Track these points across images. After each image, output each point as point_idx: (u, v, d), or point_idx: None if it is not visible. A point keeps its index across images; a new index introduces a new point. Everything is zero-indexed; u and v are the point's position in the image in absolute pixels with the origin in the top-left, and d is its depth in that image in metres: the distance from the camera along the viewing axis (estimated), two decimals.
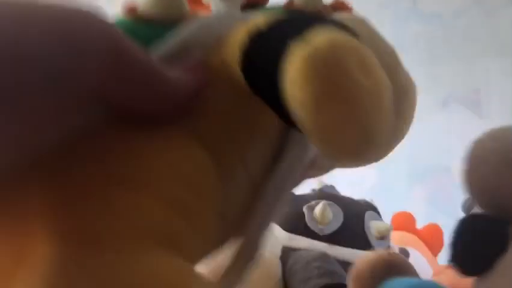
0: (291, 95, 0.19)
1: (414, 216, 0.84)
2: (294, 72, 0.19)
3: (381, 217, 0.66)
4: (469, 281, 0.69)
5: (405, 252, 0.68)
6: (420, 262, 0.73)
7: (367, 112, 0.19)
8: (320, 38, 0.19)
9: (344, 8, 0.30)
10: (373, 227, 0.62)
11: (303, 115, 0.19)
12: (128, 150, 0.20)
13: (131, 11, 0.25)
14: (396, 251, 0.65)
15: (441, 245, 0.82)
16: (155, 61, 0.21)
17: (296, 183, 0.26)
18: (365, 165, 0.22)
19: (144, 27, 0.25)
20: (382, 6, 1.50)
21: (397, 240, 0.71)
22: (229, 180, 0.23)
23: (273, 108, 0.22)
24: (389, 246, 0.63)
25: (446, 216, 1.28)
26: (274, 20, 0.22)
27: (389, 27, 1.45)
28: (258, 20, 0.23)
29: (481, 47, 1.41)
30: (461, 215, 0.81)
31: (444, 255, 0.81)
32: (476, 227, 0.35)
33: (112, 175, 0.19)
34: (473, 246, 0.35)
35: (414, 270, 0.39)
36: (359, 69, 0.19)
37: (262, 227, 0.25)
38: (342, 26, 0.22)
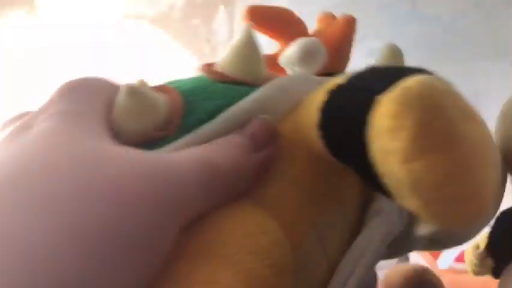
0: (380, 148, 0.17)
1: None
2: (383, 119, 0.17)
3: None
4: (467, 285, 0.68)
5: (405, 256, 0.67)
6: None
7: (477, 166, 0.17)
8: (411, 80, 0.17)
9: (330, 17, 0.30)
10: None
11: (396, 169, 0.17)
12: (209, 224, 0.19)
13: (210, 69, 0.25)
14: None
15: None
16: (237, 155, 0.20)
17: (377, 258, 0.23)
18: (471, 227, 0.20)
19: (222, 87, 0.24)
20: (381, 8, 1.50)
21: None
22: (303, 255, 0.21)
23: (356, 171, 0.19)
24: None
25: None
26: (356, 73, 0.20)
27: (388, 29, 1.45)
28: (337, 79, 0.21)
29: (481, 50, 1.41)
30: None
31: (444, 259, 0.80)
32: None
33: (195, 250, 0.19)
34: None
35: (443, 286, 0.38)
36: (460, 114, 0.17)
37: None
38: (432, 74, 0.19)
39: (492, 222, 0.36)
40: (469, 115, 0.18)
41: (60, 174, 0.16)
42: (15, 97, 1.76)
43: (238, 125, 0.22)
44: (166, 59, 1.55)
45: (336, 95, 0.20)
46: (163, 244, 0.17)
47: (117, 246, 0.15)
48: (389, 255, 0.27)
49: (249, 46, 0.25)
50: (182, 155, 0.19)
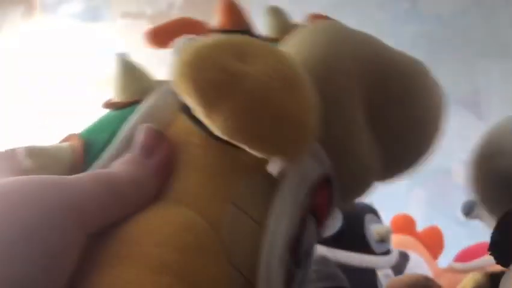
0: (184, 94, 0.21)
1: (414, 218, 0.84)
2: (181, 87, 0.20)
3: (381, 220, 0.65)
4: None
5: (405, 255, 0.67)
6: (420, 265, 0.72)
7: (268, 97, 0.20)
8: (186, 51, 0.20)
9: (320, 17, 0.31)
10: (373, 229, 0.61)
11: (208, 124, 0.21)
12: (118, 229, 0.21)
13: (105, 102, 0.27)
14: (396, 253, 0.64)
15: (441, 248, 0.82)
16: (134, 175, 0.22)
17: (298, 207, 0.24)
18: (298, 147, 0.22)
19: (115, 113, 0.26)
20: (381, 7, 1.50)
21: (397, 243, 0.71)
22: (227, 228, 0.22)
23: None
24: (389, 249, 0.62)
25: (446, 218, 1.28)
26: None
27: (388, 28, 1.45)
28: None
29: (481, 48, 1.41)
30: (461, 217, 0.81)
31: (444, 258, 0.80)
32: None
33: (105, 255, 0.20)
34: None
35: None
36: (235, 58, 0.20)
37: (271, 263, 0.23)
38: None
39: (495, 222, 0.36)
40: (252, 55, 0.20)
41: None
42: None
43: (131, 141, 0.24)
44: (165, 57, 1.54)
45: None
46: (70, 249, 0.19)
47: (34, 249, 0.18)
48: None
49: (124, 71, 0.27)
50: (85, 176, 0.21)
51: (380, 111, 0.28)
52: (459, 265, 0.72)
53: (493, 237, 0.32)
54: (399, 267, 0.64)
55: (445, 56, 1.41)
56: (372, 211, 0.65)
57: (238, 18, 0.30)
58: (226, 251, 0.22)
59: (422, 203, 1.35)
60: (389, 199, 1.30)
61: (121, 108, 0.26)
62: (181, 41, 0.28)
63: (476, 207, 0.75)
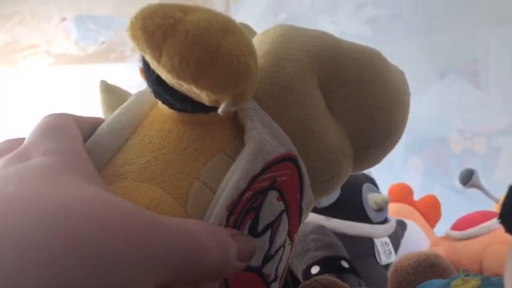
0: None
1: (411, 187, 0.84)
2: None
3: (378, 189, 0.65)
4: (463, 251, 0.69)
5: (402, 224, 0.68)
6: (417, 233, 0.73)
7: (204, 37, 0.22)
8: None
9: None
10: (371, 199, 0.61)
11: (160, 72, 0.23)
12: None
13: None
14: (394, 222, 0.65)
15: (438, 216, 0.82)
16: None
17: (247, 172, 0.26)
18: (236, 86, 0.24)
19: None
20: None
21: (394, 211, 0.72)
22: (193, 201, 0.25)
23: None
24: (386, 218, 0.63)
25: (443, 187, 1.29)
26: None
27: None
28: None
29: (481, 17, 1.39)
30: (458, 186, 0.81)
31: (441, 227, 0.81)
32: None
33: None
34: None
35: (454, 271, 0.39)
36: (179, 11, 0.23)
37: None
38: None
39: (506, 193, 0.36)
40: (192, 10, 0.23)
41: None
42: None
43: (110, 129, 0.27)
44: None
45: None
46: None
47: None
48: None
49: (106, 95, 0.32)
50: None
51: (336, 95, 0.30)
52: (456, 233, 0.72)
53: (504, 206, 0.32)
54: (396, 235, 0.64)
55: (445, 24, 1.39)
56: (370, 180, 0.65)
57: None
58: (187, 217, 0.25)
59: (419, 172, 1.35)
60: (386, 168, 1.31)
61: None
62: None
63: (473, 176, 0.75)
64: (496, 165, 1.28)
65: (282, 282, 0.30)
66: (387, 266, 0.61)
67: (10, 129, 1.60)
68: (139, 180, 0.25)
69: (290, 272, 0.55)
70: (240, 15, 1.56)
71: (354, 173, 0.68)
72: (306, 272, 0.50)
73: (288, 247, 0.29)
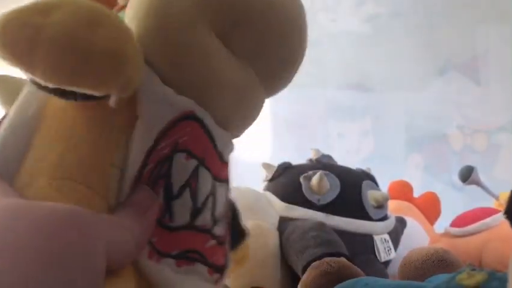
0: None
1: (411, 184, 0.84)
2: None
3: (378, 186, 0.65)
4: (463, 248, 0.69)
5: (402, 221, 0.68)
6: (417, 230, 0.73)
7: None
8: None
9: None
10: (370, 196, 0.61)
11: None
12: None
13: None
14: (393, 219, 0.65)
15: (438, 213, 0.82)
16: None
17: (142, 144, 0.27)
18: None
19: None
20: None
21: (394, 208, 0.72)
22: (111, 191, 0.25)
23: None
24: (386, 215, 0.63)
25: (443, 184, 1.29)
26: None
27: None
28: None
29: (481, 13, 1.39)
30: (458, 183, 0.81)
31: (440, 223, 0.81)
32: None
33: None
34: None
35: (461, 265, 0.39)
36: (38, 14, 0.22)
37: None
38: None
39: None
40: (52, 9, 0.22)
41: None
42: None
43: (12, 127, 0.27)
44: None
45: None
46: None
47: None
48: None
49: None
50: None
51: (232, 35, 0.29)
52: (455, 230, 0.72)
53: (510, 201, 0.32)
54: (396, 232, 0.64)
55: (444, 21, 1.39)
56: (370, 177, 0.65)
57: None
58: (110, 209, 0.25)
59: (419, 168, 1.35)
60: (386, 165, 1.31)
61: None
62: None
63: (473, 173, 0.75)
64: (496, 162, 1.28)
65: (229, 218, 0.31)
66: (387, 263, 0.61)
67: None
68: (56, 177, 0.25)
69: (290, 268, 0.55)
70: None
71: (354, 170, 0.68)
72: (306, 269, 0.50)
73: (219, 188, 0.30)
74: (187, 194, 0.27)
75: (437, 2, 1.43)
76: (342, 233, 0.57)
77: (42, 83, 0.23)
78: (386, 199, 0.62)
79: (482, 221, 0.71)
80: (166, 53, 0.27)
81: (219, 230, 0.29)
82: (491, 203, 0.79)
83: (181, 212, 0.27)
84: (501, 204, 0.78)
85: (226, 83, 0.28)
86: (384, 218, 0.62)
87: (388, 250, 0.61)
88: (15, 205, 0.22)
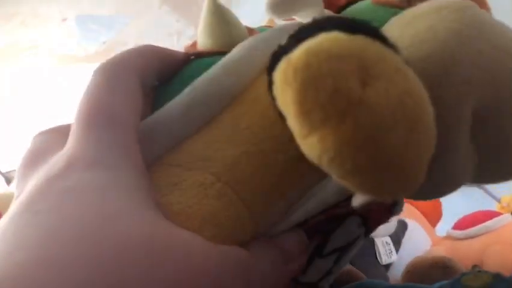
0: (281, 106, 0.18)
1: None
2: (275, 89, 0.18)
3: None
4: (464, 251, 0.69)
5: (403, 224, 0.67)
6: (419, 233, 0.73)
7: (381, 133, 0.16)
8: (299, 49, 0.17)
9: None
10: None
11: (299, 143, 0.17)
12: None
13: (194, 51, 0.25)
14: (394, 222, 0.64)
15: (439, 216, 0.82)
16: None
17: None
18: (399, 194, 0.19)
19: (197, 63, 0.24)
20: None
21: None
22: (266, 219, 0.22)
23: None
24: None
25: None
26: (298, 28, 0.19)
27: None
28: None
29: None
30: None
31: (442, 226, 0.81)
32: None
33: None
34: None
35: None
36: (359, 77, 0.16)
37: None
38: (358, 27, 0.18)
39: None
40: (375, 75, 0.16)
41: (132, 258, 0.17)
42: None
43: (206, 95, 0.22)
44: (162, 27, 1.52)
45: (273, 56, 0.19)
46: None
47: None
48: None
49: (213, 15, 0.24)
50: (213, 251, 0.20)
51: (489, 124, 0.23)
52: (457, 233, 0.72)
53: None
54: (397, 235, 0.64)
55: None
56: None
57: None
58: (255, 236, 0.22)
59: None
60: None
61: (203, 57, 0.24)
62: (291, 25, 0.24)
63: None
64: None
65: None
66: (388, 266, 0.61)
67: (10, 129, 1.60)
68: (223, 179, 0.21)
69: None
70: (241, 13, 1.56)
71: None
72: None
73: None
74: (333, 257, 0.25)
75: None
76: None
77: (312, 152, 0.17)
78: None
79: (483, 224, 0.70)
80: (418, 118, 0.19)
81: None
82: (493, 206, 0.78)
83: (317, 272, 0.25)
84: (503, 207, 0.78)
85: (445, 166, 0.22)
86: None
87: (389, 253, 0.60)
88: (165, 240, 0.18)
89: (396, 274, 0.60)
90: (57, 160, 0.20)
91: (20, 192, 0.20)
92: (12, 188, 0.85)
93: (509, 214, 0.70)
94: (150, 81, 0.23)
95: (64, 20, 1.69)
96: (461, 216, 0.76)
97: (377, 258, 0.59)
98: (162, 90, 0.24)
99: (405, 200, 0.85)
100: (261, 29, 0.26)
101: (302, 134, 0.17)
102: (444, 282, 0.32)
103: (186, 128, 0.22)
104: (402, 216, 0.72)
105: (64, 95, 1.67)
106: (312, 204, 0.22)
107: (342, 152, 0.16)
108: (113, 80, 0.21)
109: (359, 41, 0.17)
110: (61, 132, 0.22)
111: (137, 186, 0.19)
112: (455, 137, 0.22)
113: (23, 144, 0.23)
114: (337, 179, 0.18)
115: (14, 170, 0.92)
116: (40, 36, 1.70)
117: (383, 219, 0.26)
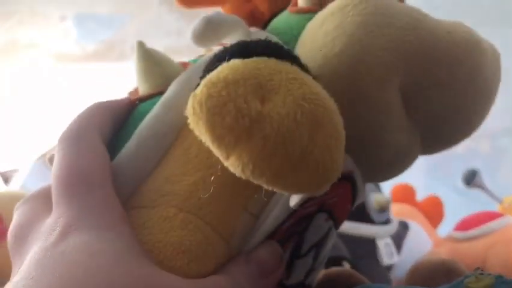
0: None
1: (413, 188, 0.83)
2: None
3: (380, 189, 0.65)
4: (466, 252, 0.69)
5: (404, 225, 0.67)
6: (420, 234, 0.72)
7: (288, 140, 0.19)
8: (201, 84, 0.19)
9: None
10: (373, 199, 0.61)
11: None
12: None
13: (136, 96, 0.26)
14: (396, 223, 0.64)
15: (441, 217, 0.82)
16: None
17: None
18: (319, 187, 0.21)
19: (142, 107, 0.26)
20: None
21: (396, 212, 0.71)
22: (238, 235, 0.23)
23: None
24: (388, 219, 0.62)
25: (446, 187, 1.28)
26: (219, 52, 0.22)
27: None
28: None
29: (482, 17, 1.39)
30: (461, 186, 0.80)
31: (444, 227, 0.81)
32: None
33: None
34: None
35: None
36: (256, 96, 0.19)
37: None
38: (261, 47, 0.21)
39: None
40: (272, 88, 0.19)
41: None
42: None
43: (152, 134, 0.24)
44: (161, 26, 1.52)
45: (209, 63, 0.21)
46: None
47: None
48: None
49: (143, 60, 0.26)
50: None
51: (417, 97, 0.26)
52: (459, 234, 0.72)
53: None
54: (399, 236, 0.64)
55: None
56: None
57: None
58: (229, 255, 0.23)
59: (422, 172, 1.35)
60: None
61: (145, 100, 0.26)
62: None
63: (477, 176, 0.75)
64: (500, 165, 1.27)
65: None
66: (389, 267, 0.60)
67: (8, 127, 1.60)
68: (184, 208, 0.22)
69: None
70: None
71: None
72: None
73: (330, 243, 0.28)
74: (311, 254, 0.26)
75: (439, 4, 1.42)
76: (344, 237, 0.56)
77: (236, 170, 0.20)
78: (389, 202, 0.62)
79: (485, 225, 0.70)
80: (343, 104, 0.22)
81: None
82: (495, 207, 0.78)
83: (300, 272, 0.26)
84: (505, 208, 0.77)
85: (389, 145, 0.25)
86: (387, 221, 0.62)
87: (391, 254, 0.60)
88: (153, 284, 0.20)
89: (398, 276, 0.60)
90: (49, 230, 0.21)
91: (17, 271, 0.21)
92: (11, 187, 0.84)
93: (511, 215, 0.69)
94: (108, 133, 0.25)
95: (63, 18, 1.68)
96: (462, 217, 0.76)
97: (378, 259, 0.59)
98: (115, 139, 0.25)
99: (406, 201, 0.85)
100: (194, 60, 0.27)
101: (223, 157, 0.19)
102: (447, 285, 0.32)
103: (141, 168, 0.23)
104: (404, 217, 0.71)
105: (62, 94, 1.67)
106: (277, 212, 0.23)
107: (258, 163, 0.19)
108: (78, 144, 0.23)
109: (252, 63, 0.20)
110: (41, 200, 0.24)
111: (127, 241, 0.21)
112: (389, 118, 0.25)
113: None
114: (268, 187, 0.20)
115: (12, 170, 0.91)
116: (39, 35, 1.69)
117: (346, 209, 0.27)
